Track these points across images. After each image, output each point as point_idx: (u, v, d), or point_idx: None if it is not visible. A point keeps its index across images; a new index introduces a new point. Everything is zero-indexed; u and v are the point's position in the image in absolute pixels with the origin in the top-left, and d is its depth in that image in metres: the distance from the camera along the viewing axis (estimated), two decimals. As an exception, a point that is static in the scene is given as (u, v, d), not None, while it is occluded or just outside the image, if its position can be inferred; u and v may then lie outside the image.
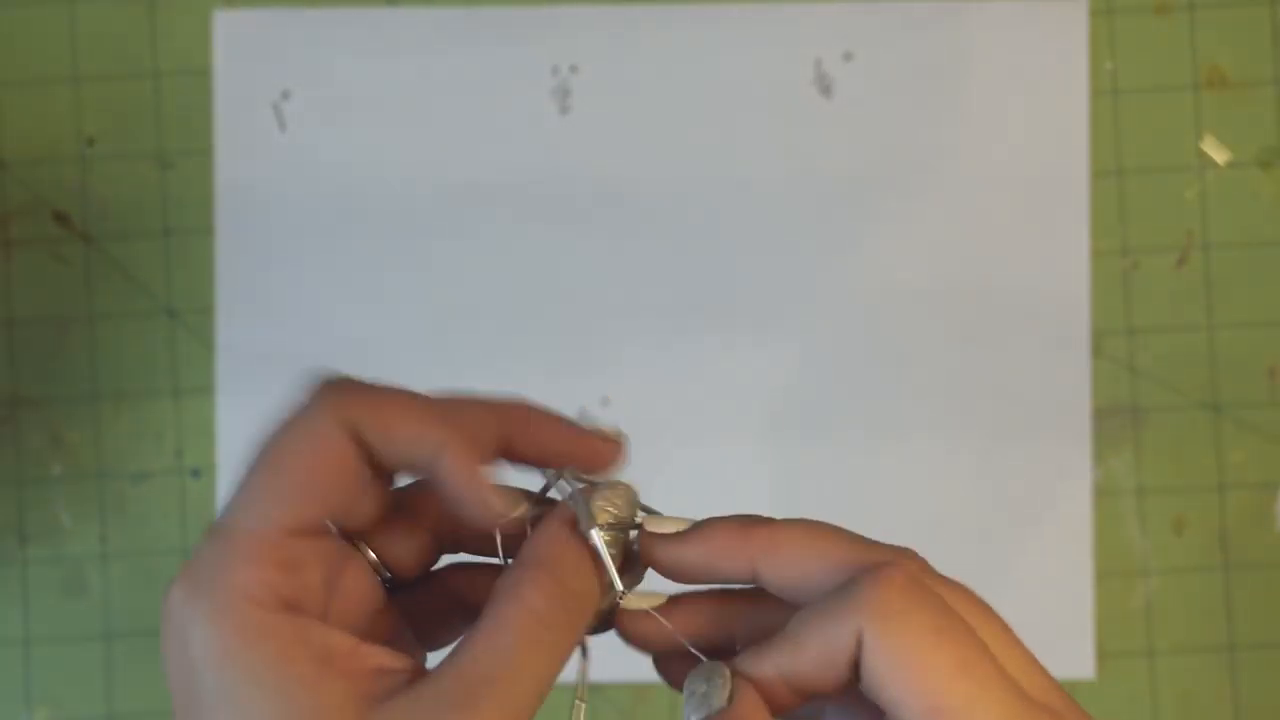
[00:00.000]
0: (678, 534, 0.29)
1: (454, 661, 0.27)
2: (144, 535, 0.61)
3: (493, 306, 0.61)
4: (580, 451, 0.31)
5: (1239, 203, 0.61)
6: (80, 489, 0.61)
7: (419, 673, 0.28)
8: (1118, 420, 0.61)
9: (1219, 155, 0.61)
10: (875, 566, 0.27)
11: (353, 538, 0.31)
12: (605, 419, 0.60)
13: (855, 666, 0.27)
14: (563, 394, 0.60)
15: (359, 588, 0.30)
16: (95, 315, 0.61)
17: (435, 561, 0.32)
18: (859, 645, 0.26)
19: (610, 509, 0.30)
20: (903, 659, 0.25)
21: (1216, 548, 0.61)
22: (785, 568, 0.28)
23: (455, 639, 0.29)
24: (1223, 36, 0.61)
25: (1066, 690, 0.28)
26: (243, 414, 0.61)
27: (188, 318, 0.61)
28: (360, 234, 0.61)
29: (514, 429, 0.30)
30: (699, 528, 0.30)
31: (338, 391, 0.29)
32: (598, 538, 0.29)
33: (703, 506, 0.62)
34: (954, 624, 0.26)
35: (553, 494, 0.32)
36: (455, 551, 0.33)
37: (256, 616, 0.27)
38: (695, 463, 0.60)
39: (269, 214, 0.61)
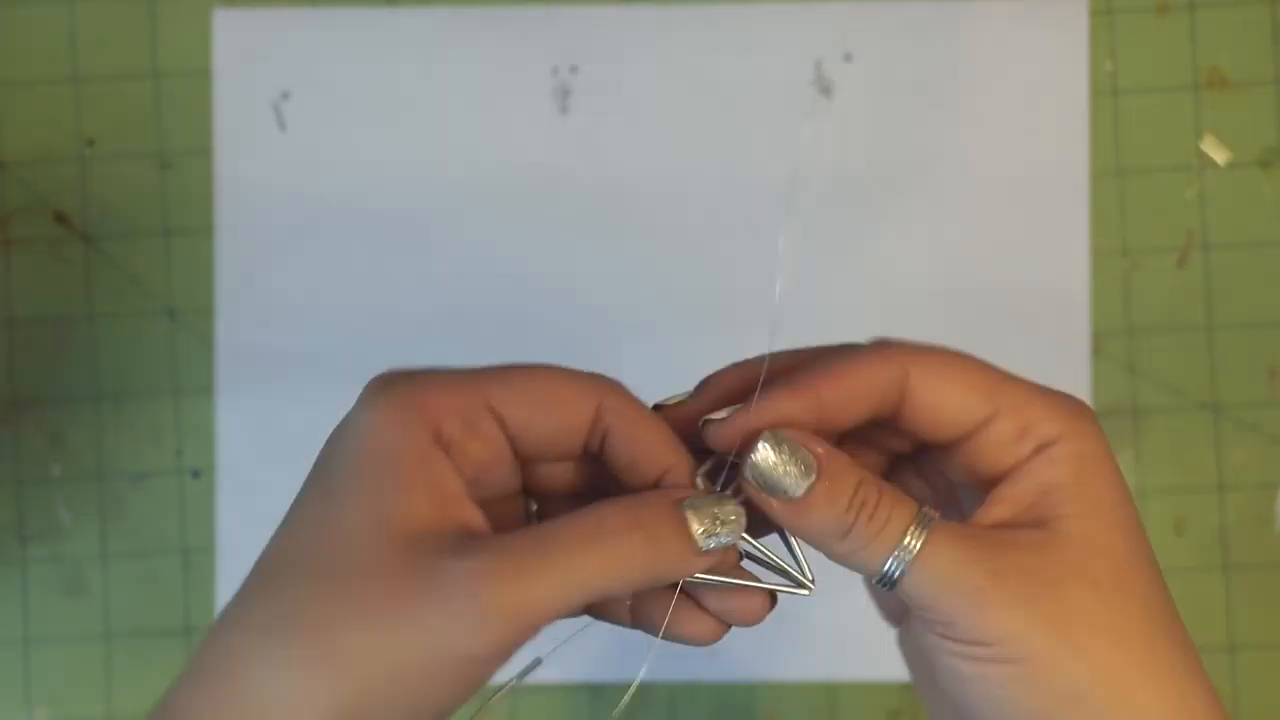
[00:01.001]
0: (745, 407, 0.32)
1: (521, 532, 0.30)
2: (144, 535, 0.61)
3: (493, 306, 0.61)
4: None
5: (1239, 203, 0.61)
6: (80, 489, 0.61)
7: None
8: (1118, 420, 0.61)
9: (1219, 155, 0.61)
10: (899, 341, 0.34)
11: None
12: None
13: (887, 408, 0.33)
14: (563, 394, 0.60)
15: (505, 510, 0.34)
16: (95, 315, 0.61)
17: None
18: (905, 379, 0.32)
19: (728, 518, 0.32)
20: (947, 373, 0.33)
21: (1216, 548, 0.61)
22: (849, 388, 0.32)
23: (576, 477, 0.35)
24: (1223, 36, 0.61)
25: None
26: (243, 414, 0.61)
27: (188, 318, 0.61)
28: (360, 234, 0.61)
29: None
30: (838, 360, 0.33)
31: (604, 379, 0.34)
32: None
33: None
34: (965, 353, 0.34)
35: None
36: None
37: (413, 418, 0.31)
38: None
39: (269, 214, 0.61)
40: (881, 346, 0.33)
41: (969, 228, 0.61)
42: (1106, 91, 0.61)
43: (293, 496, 0.32)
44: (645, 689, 0.60)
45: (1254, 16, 0.61)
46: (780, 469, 0.31)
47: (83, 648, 0.61)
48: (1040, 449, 0.32)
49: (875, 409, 0.32)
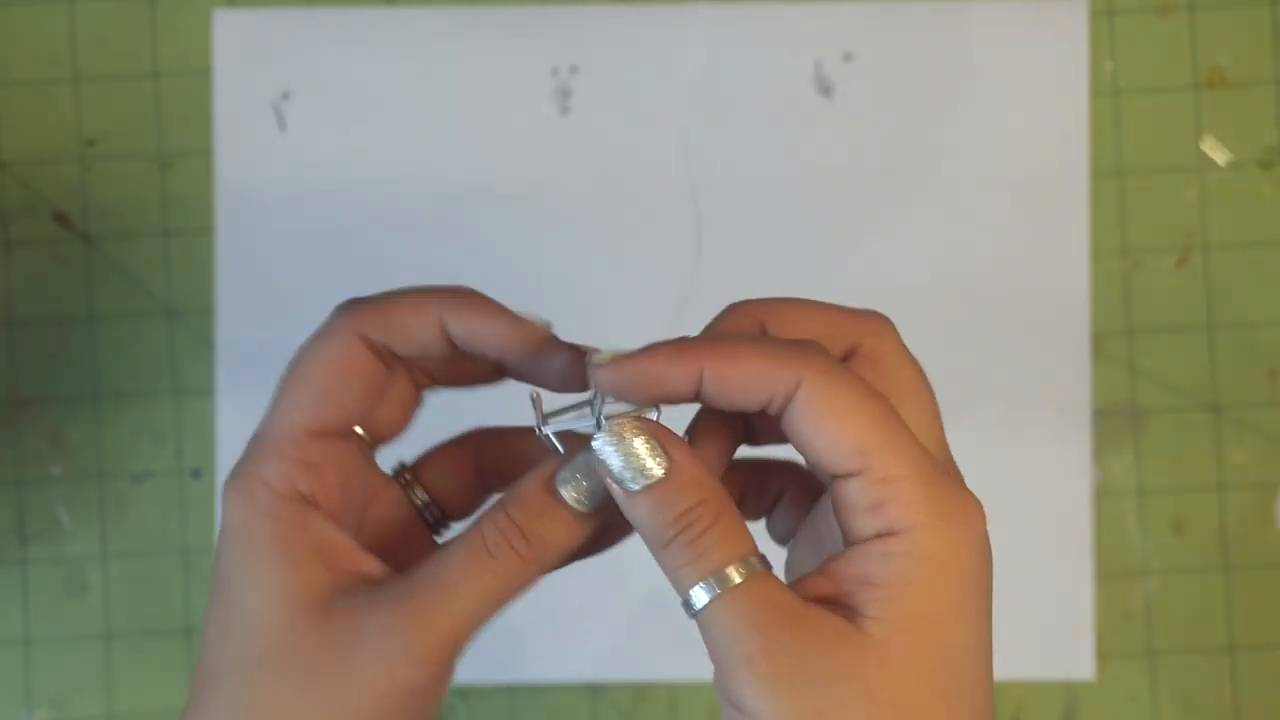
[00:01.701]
0: (625, 355, 0.32)
1: (412, 570, 0.32)
2: (144, 535, 0.61)
3: (493, 306, 0.61)
4: (511, 337, 0.34)
5: (1239, 203, 0.61)
6: (80, 489, 0.61)
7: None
8: (1118, 420, 0.61)
9: (1219, 155, 0.61)
10: (808, 342, 0.32)
11: (403, 475, 0.36)
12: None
13: (772, 409, 0.31)
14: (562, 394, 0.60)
15: (390, 509, 0.35)
16: (95, 315, 0.61)
17: (481, 501, 0.37)
18: (794, 390, 0.30)
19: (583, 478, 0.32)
20: (836, 407, 0.30)
21: (1216, 548, 0.61)
22: (735, 384, 0.31)
23: (477, 504, 0.36)
24: (1223, 36, 0.61)
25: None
26: (243, 414, 0.61)
27: (188, 318, 0.61)
28: (360, 234, 0.61)
29: (452, 313, 0.34)
30: (643, 349, 0.32)
31: (349, 307, 0.34)
32: (551, 436, 0.33)
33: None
34: (874, 391, 0.31)
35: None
36: (501, 488, 0.37)
37: (268, 500, 0.32)
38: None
39: (269, 214, 0.61)
40: (788, 346, 0.31)
41: (969, 228, 0.61)
42: (1106, 91, 0.61)
43: None
44: (645, 689, 0.60)
45: (1254, 16, 0.61)
46: (622, 459, 0.31)
47: (83, 648, 0.61)
48: (883, 535, 0.30)
49: (761, 405, 0.31)
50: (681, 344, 0.31)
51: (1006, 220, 0.61)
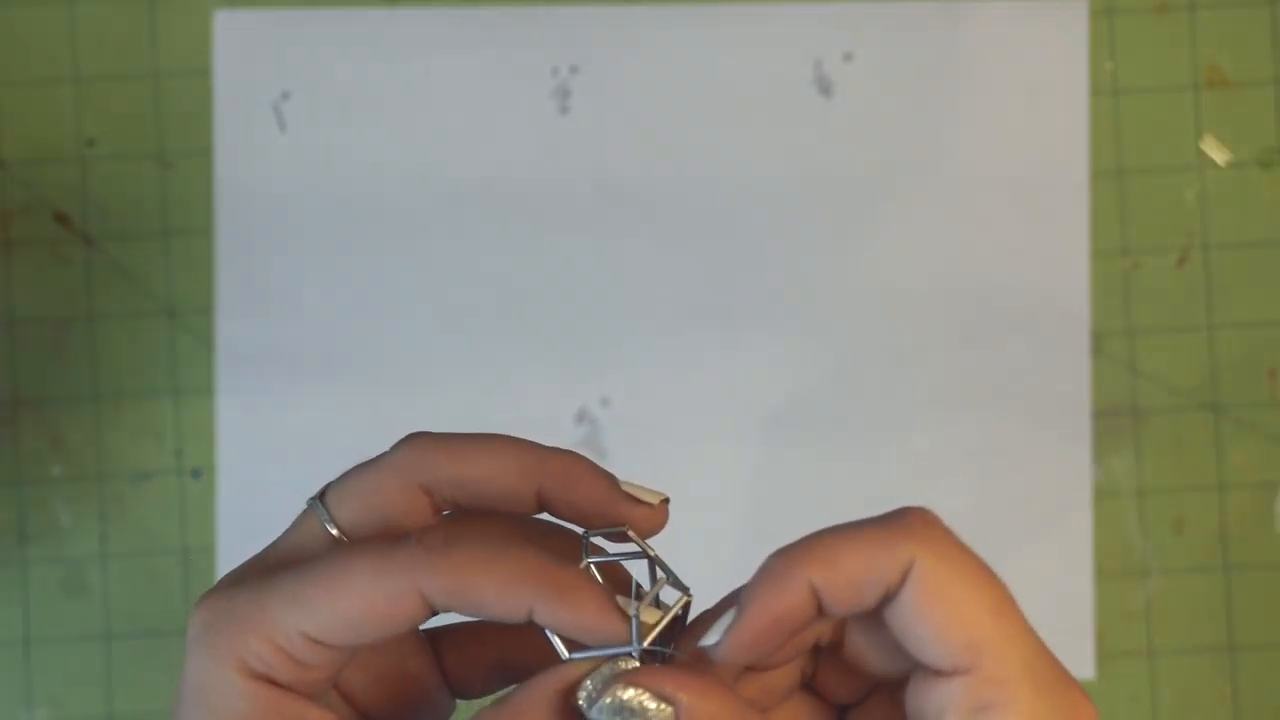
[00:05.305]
0: (731, 622, 0.28)
1: None
2: (144, 535, 0.61)
3: (493, 306, 0.61)
4: (618, 516, 0.30)
5: (1239, 203, 0.61)
6: (80, 489, 0.61)
7: None
8: (1118, 420, 0.61)
9: (1219, 155, 0.61)
10: (914, 508, 0.28)
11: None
12: (605, 419, 0.60)
13: (880, 598, 0.27)
14: (563, 394, 0.60)
15: (387, 647, 0.31)
16: (95, 315, 0.61)
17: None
18: (906, 574, 0.27)
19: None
20: (947, 593, 0.27)
21: (1216, 548, 0.61)
22: (846, 582, 0.27)
23: (491, 691, 0.30)
24: (1223, 36, 0.61)
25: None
26: (243, 414, 0.61)
27: (188, 318, 0.61)
28: (360, 234, 0.61)
29: (554, 482, 0.29)
30: (743, 608, 0.27)
31: (426, 556, 0.28)
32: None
33: (702, 507, 0.62)
34: (988, 569, 0.28)
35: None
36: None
37: (240, 680, 0.28)
38: (695, 463, 0.60)
39: (269, 214, 0.61)
40: (890, 522, 0.27)
41: (969, 228, 0.61)
42: (1106, 91, 0.61)
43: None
44: (645, 689, 0.60)
45: (1254, 16, 0.61)
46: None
47: (83, 648, 0.61)
48: None
49: (879, 600, 0.27)
50: (774, 568, 0.27)
51: (1006, 220, 0.61)
